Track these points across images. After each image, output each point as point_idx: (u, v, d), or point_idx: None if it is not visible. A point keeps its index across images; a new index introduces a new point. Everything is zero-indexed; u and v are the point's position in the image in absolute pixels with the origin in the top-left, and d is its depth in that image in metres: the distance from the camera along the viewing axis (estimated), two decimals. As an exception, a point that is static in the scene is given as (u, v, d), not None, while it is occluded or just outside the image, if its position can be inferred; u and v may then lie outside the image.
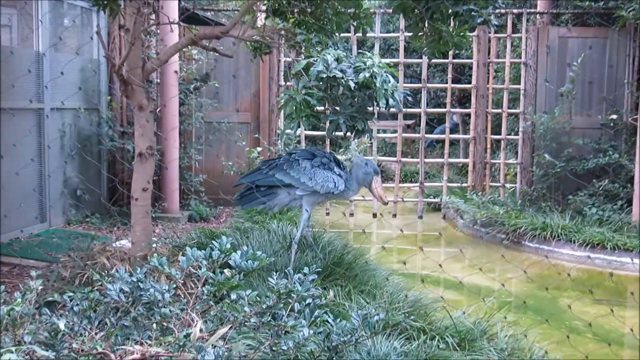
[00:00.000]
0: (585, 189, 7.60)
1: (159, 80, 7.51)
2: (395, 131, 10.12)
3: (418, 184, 9.01)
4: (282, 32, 5.01)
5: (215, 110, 8.11)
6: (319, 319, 2.76)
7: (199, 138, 8.17)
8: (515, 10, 8.67)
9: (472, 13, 4.06)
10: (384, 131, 11.82)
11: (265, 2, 4.79)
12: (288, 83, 8.23)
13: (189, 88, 7.67)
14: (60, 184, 6.68)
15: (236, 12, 7.54)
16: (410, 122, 13.49)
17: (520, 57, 8.70)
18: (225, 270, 2.90)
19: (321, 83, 4.60)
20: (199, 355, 2.33)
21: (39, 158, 6.33)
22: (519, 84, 8.63)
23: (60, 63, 6.40)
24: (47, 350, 2.34)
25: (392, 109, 4.86)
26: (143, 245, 4.35)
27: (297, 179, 4.57)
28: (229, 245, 3.02)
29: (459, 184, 9.24)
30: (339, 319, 2.80)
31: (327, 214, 8.80)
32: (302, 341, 2.54)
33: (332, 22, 4.55)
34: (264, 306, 2.68)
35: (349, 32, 8.58)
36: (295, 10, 4.60)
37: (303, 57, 4.96)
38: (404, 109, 8.89)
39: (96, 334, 2.55)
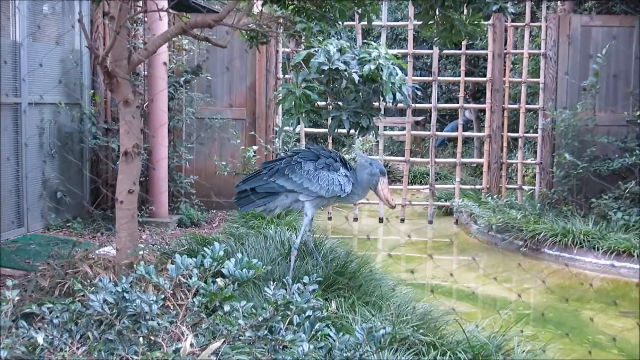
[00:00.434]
0: (610, 191, 7.59)
1: (146, 73, 7.51)
2: (403, 128, 10.13)
3: (428, 186, 9.02)
4: (281, 20, 5.01)
5: (207, 105, 8.12)
6: (319, 332, 2.76)
7: (190, 135, 8.18)
8: (534, -3, 8.70)
9: (487, 0, 4.06)
10: (391, 128, 11.83)
11: (262, -13, 4.80)
12: (287, 76, 8.23)
13: (179, 81, 7.68)
14: (38, 185, 6.68)
15: (230, -2, 7.55)
16: (419, 118, 13.52)
17: (540, 48, 8.70)
18: (218, 280, 2.91)
19: (322, 76, 4.60)
20: (189, 372, 2.33)
21: (15, 157, 6.34)
22: (538, 77, 8.63)
23: (39, 54, 6.41)
24: (25, 366, 2.34)
25: (399, 105, 4.87)
26: (129, 252, 4.36)
27: (300, 184, 4.58)
28: (222, 253, 3.02)
29: (472, 186, 9.24)
30: (341, 333, 2.81)
31: (329, 218, 8.80)
32: (302, 357, 2.55)
33: (334, 9, 4.56)
34: (260, 319, 2.68)
35: (353, 20, 8.60)
36: (295, -4, 4.61)
37: (303, 48, 4.96)
38: (413, 105, 8.90)
39: (78, 348, 2.56)
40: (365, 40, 7.69)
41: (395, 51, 7.30)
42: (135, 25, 7.22)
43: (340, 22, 4.77)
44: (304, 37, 4.85)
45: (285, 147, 8.19)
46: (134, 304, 2.69)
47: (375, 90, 4.71)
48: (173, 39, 5.98)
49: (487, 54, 8.82)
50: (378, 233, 8.47)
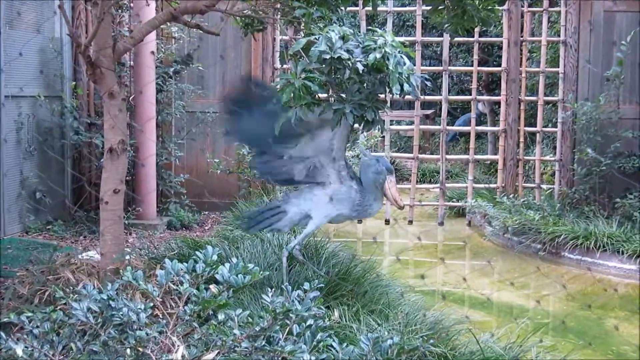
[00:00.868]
0: (635, 190, 7.59)
1: (132, 63, 7.52)
2: (411, 122, 10.12)
3: (438, 185, 9.01)
4: (278, 6, 5.01)
5: (199, 98, 8.12)
6: (321, 343, 2.76)
7: (180, 131, 8.18)
8: (552, -20, 8.69)
9: (502, -17, 4.06)
10: (398, 122, 11.83)
11: (258, -30, 4.80)
12: (285, 65, 8.23)
13: (168, 72, 7.68)
14: (16, 184, 6.69)
15: (223, -18, 7.55)
16: (429, 111, 13.53)
17: (559, 35, 8.70)
18: (211, 286, 2.91)
19: (324, 65, 4.59)
20: (180, 385, 2.33)
21: (-9, 154, 6.35)
22: (557, 67, 8.63)
23: (17, 43, 6.41)
24: (2, 380, 2.35)
25: (407, 96, 4.86)
26: (114, 257, 4.36)
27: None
28: (215, 257, 3.02)
29: (486, 185, 9.23)
30: (345, 344, 2.81)
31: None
32: (302, 369, 2.55)
33: (336, -7, 4.56)
34: (257, 328, 2.68)
35: (356, 5, 8.59)
36: (294, -21, 4.61)
37: (302, 35, 4.96)
38: (422, 96, 8.89)
39: (60, 360, 2.56)
40: (369, 27, 7.69)
41: (402, 39, 7.30)
42: (120, 11, 7.22)
43: (342, 8, 4.76)
44: (303, 24, 4.84)
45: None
46: (121, 313, 2.69)
47: (381, 81, 4.70)
48: (161, 26, 5.98)
49: (502, 41, 8.80)
50: (384, 236, 8.47)
